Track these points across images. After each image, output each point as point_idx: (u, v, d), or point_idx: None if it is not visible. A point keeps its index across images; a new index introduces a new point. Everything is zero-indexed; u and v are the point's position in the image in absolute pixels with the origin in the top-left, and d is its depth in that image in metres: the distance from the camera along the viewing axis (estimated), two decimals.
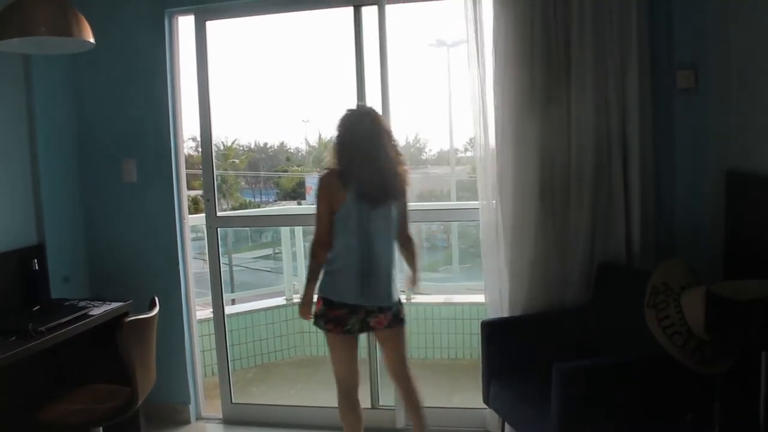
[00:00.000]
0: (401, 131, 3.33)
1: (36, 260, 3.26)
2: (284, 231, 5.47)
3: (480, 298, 4.72)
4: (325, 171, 2.77)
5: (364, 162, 2.69)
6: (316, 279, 2.81)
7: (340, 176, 2.71)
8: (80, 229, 3.65)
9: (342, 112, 2.80)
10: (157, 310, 2.81)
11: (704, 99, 2.98)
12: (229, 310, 4.58)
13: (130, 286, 3.48)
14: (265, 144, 23.49)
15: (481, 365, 2.99)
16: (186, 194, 3.66)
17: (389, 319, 2.80)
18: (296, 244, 5.34)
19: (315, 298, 2.81)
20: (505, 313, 3.17)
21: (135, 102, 3.53)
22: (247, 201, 18.42)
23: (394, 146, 2.78)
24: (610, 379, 2.42)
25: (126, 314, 3.16)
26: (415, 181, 2.91)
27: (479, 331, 3.02)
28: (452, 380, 4.09)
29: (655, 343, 2.20)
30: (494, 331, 2.97)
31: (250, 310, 4.86)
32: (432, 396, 3.61)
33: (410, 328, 3.03)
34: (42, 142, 3.38)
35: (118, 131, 3.58)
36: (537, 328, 3.01)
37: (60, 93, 3.53)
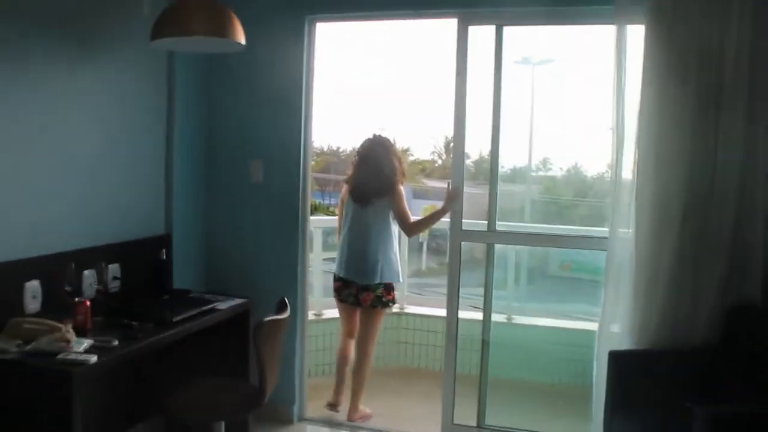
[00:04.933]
0: (476, 146, 3.41)
1: (164, 250, 3.37)
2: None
3: (574, 324, 4.71)
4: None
5: (359, 174, 3.81)
6: None
7: (348, 182, 3.90)
8: (203, 223, 3.75)
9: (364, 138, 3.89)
10: (288, 311, 2.84)
11: None
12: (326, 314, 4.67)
13: (246, 282, 3.55)
14: (338, 148, 23.85)
15: (591, 394, 3.02)
16: (310, 197, 3.71)
17: (371, 299, 3.76)
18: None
19: None
20: (624, 345, 3.08)
21: (266, 104, 3.60)
22: (317, 203, 18.66)
23: (392, 164, 3.77)
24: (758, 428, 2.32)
25: (248, 311, 3.25)
26: (481, 197, 3.52)
27: (596, 360, 3.00)
28: (550, 405, 4.01)
29: None
30: (623, 363, 2.89)
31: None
32: (532, 420, 3.61)
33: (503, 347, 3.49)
34: (177, 139, 3.49)
35: (247, 132, 3.66)
36: (664, 363, 2.91)
37: (196, 92, 3.64)
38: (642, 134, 2.98)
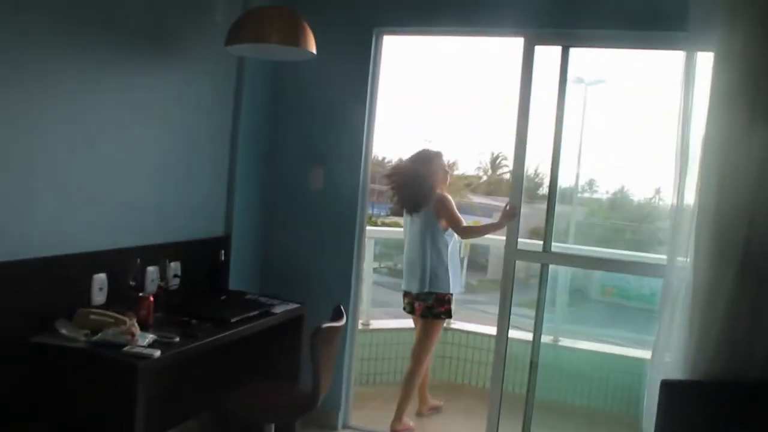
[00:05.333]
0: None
1: (223, 251, 3.45)
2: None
3: (620, 350, 4.65)
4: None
5: (396, 189, 3.99)
6: None
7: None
8: (262, 227, 3.83)
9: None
10: (345, 319, 2.88)
11: None
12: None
13: (300, 288, 3.60)
14: (383, 158, 24.01)
15: (640, 422, 2.99)
16: (367, 207, 3.75)
17: (422, 308, 3.89)
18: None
19: None
20: (676, 374, 3.03)
21: (332, 114, 3.67)
22: (369, 214, 18.76)
23: (431, 175, 3.89)
24: None
25: (302, 316, 3.30)
26: (527, 216, 3.62)
27: (647, 388, 2.99)
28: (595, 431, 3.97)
29: None
30: (676, 393, 2.84)
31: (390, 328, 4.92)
32: None
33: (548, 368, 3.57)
34: (242, 142, 3.59)
35: (310, 139, 3.74)
36: (718, 395, 2.86)
37: (263, 97, 3.73)
38: (706, 161, 2.95)
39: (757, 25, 2.85)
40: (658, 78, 3.34)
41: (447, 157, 4.40)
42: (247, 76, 3.54)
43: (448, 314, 3.99)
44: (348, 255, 3.71)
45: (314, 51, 2.91)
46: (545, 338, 4.49)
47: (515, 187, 3.43)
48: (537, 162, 3.48)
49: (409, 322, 4.77)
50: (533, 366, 3.53)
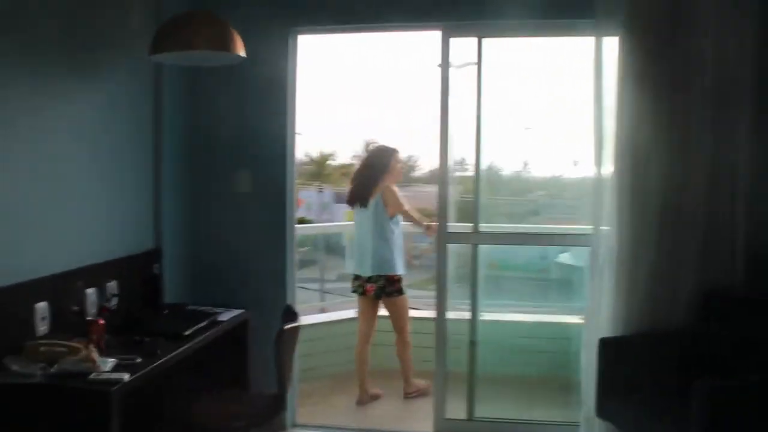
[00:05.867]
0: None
1: (157, 264, 3.34)
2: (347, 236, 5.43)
3: (540, 317, 4.94)
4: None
5: (356, 180, 4.39)
6: None
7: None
8: (189, 235, 3.73)
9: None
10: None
11: None
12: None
13: (235, 293, 3.55)
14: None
15: (581, 380, 3.23)
16: (295, 206, 3.76)
17: (373, 289, 4.25)
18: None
19: None
20: (608, 333, 3.29)
21: (252, 115, 3.63)
22: None
23: (383, 170, 4.26)
24: (756, 398, 2.56)
25: (246, 321, 3.27)
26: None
27: (584, 348, 3.25)
28: (535, 396, 4.18)
29: None
30: (613, 349, 3.10)
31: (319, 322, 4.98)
32: (519, 411, 3.83)
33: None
34: (165, 151, 3.47)
35: (234, 142, 3.68)
36: (652, 347, 3.14)
37: (182, 104, 3.63)
38: (620, 135, 3.21)
39: (656, 10, 3.14)
40: (569, 62, 3.55)
41: (402, 154, 4.64)
42: (165, 84, 3.43)
43: (400, 291, 4.32)
44: (280, 255, 3.69)
45: (243, 54, 2.88)
46: (463, 315, 4.71)
47: (441, 175, 3.55)
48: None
49: (334, 315, 5.00)
50: (472, 344, 3.69)
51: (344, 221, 14.99)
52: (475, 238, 3.57)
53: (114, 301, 3.00)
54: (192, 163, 3.71)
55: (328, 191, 22.38)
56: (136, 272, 3.24)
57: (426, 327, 4.28)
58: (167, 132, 3.48)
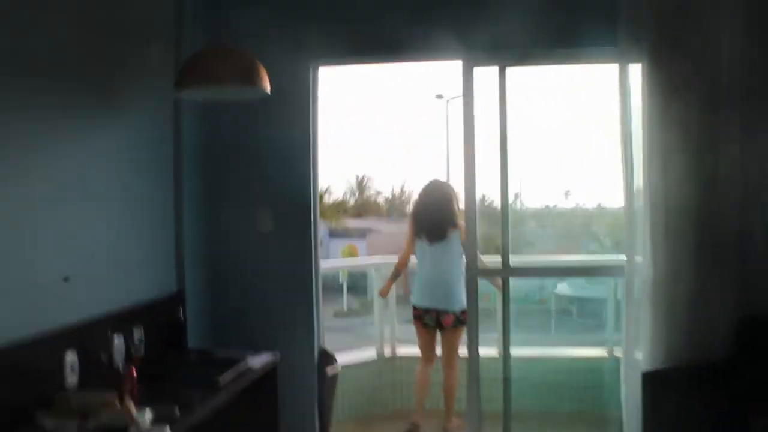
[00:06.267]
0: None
1: (180, 308, 3.22)
2: (373, 276, 5.36)
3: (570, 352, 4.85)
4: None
5: (424, 215, 4.44)
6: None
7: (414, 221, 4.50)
8: (211, 275, 3.61)
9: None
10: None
11: None
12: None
13: (260, 334, 3.44)
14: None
15: (623, 416, 3.11)
16: (320, 243, 3.66)
17: (452, 320, 4.33)
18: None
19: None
20: (647, 366, 3.19)
21: (274, 151, 3.55)
22: None
23: (451, 204, 4.40)
24: None
25: (275, 365, 3.15)
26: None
27: (624, 383, 3.13)
28: None
29: None
30: (655, 382, 3.01)
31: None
32: None
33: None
34: (187, 190, 3.38)
35: (255, 179, 3.59)
36: (694, 379, 3.05)
37: (202, 141, 3.55)
38: (648, 165, 3.16)
39: (680, 37, 3.11)
40: (593, 89, 3.51)
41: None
42: (185, 121, 3.35)
43: (464, 323, 4.30)
44: (306, 295, 3.59)
45: (269, 89, 2.81)
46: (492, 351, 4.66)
47: (468, 207, 3.47)
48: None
49: (357, 356, 4.85)
50: (506, 381, 3.57)
51: (339, 257, 14.97)
52: (506, 272, 3.48)
53: (142, 349, 2.87)
54: (212, 201, 3.61)
55: (323, 227, 22.38)
56: (160, 317, 3.12)
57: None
58: (188, 170, 3.39)
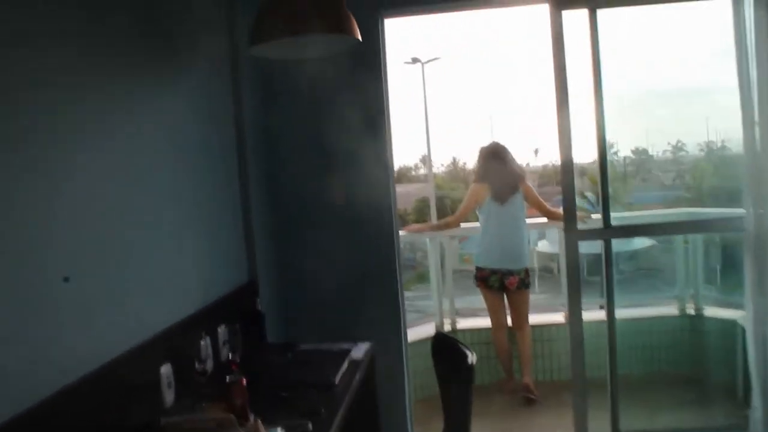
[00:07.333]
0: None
1: (257, 298, 2.83)
2: (429, 250, 5.02)
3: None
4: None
5: (493, 176, 4.40)
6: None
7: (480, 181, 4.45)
8: (283, 260, 3.23)
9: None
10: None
11: None
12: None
13: (341, 324, 3.09)
14: None
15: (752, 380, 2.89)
16: (396, 211, 3.26)
17: (517, 281, 4.34)
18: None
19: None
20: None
21: (341, 115, 3.13)
22: None
23: (514, 163, 4.45)
24: None
25: (373, 356, 2.78)
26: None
27: (753, 344, 2.85)
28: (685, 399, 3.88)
29: None
30: None
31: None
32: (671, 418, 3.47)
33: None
34: (252, 166, 2.98)
35: (324, 147, 3.18)
36: None
37: (262, 109, 3.15)
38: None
39: None
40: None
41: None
42: (243, 87, 2.92)
43: (529, 285, 4.46)
44: (388, 277, 3.22)
45: (359, 37, 2.38)
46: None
47: (566, 165, 3.10)
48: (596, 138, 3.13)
49: (415, 333, 4.45)
50: (612, 348, 3.24)
51: None
52: (608, 233, 3.13)
53: (238, 351, 2.47)
54: (276, 177, 3.20)
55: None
56: (237, 311, 2.72)
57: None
58: (251, 143, 2.96)
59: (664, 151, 14.92)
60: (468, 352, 2.27)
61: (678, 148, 13.30)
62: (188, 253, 2.44)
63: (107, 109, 1.96)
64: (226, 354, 2.47)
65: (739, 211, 2.99)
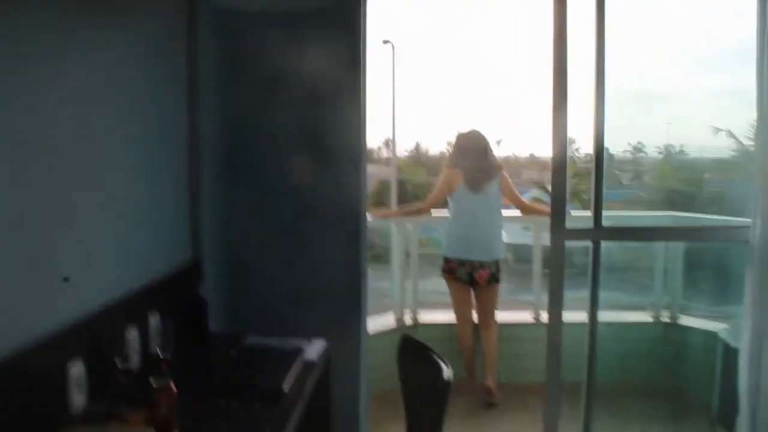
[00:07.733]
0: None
1: (199, 283, 2.45)
2: (394, 235, 4.66)
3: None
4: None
5: (467, 162, 4.14)
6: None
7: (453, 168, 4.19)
8: (229, 240, 2.83)
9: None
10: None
11: None
12: None
13: (293, 315, 2.70)
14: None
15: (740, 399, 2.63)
16: (366, 195, 2.90)
17: (486, 276, 4.08)
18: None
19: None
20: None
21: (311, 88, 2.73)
22: None
23: (491, 152, 4.22)
24: None
25: (330, 355, 2.43)
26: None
27: (745, 358, 2.62)
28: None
29: None
30: None
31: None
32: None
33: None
34: (204, 130, 2.56)
35: (294, 120, 2.79)
36: None
37: (219, 75, 2.73)
38: None
39: None
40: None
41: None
42: (201, 40, 2.50)
43: (499, 279, 4.19)
44: (352, 266, 2.85)
45: None
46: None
47: (558, 157, 2.76)
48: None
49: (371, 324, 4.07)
50: (591, 351, 2.94)
51: None
52: (598, 234, 2.82)
53: (169, 346, 2.08)
54: (236, 145, 2.80)
55: None
56: (175, 297, 2.33)
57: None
58: (207, 102, 2.56)
59: (624, 151, 15.00)
60: (443, 365, 1.94)
61: (637, 149, 13.40)
62: (116, 222, 2.03)
63: (39, 53, 1.56)
64: (167, 351, 2.08)
65: (744, 220, 2.70)
